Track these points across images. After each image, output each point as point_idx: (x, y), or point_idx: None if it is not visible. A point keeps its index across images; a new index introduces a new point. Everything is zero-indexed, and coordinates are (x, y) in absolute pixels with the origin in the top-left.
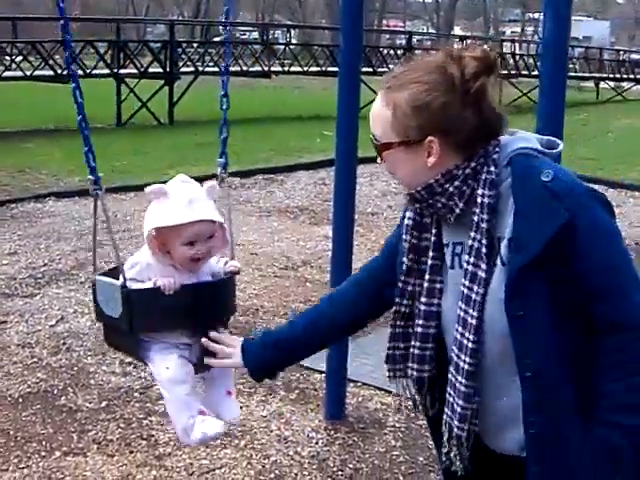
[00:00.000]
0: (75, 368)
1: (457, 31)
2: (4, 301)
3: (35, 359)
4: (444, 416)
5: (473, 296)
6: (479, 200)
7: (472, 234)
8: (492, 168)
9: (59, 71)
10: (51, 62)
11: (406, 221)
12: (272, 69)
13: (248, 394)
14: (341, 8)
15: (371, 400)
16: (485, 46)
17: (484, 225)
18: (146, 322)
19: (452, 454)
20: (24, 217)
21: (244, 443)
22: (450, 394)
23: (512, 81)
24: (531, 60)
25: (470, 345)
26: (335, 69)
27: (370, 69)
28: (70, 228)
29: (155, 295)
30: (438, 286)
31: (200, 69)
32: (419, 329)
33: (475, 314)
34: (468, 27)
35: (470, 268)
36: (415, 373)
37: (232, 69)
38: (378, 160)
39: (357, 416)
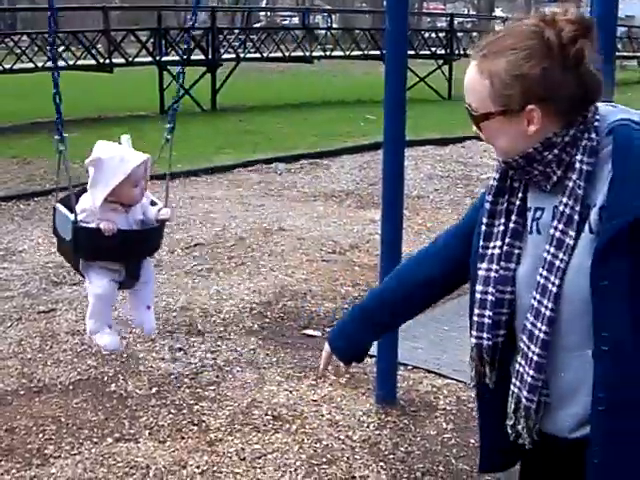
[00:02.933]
0: (125, 355)
1: (498, 12)
2: (53, 289)
3: (85, 346)
4: (511, 387)
5: (557, 263)
6: (577, 166)
7: (564, 200)
8: (593, 135)
9: (101, 60)
10: (93, 51)
11: (492, 182)
12: (314, 54)
13: (298, 379)
14: None
15: (421, 383)
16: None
17: (580, 192)
18: (88, 253)
19: (520, 427)
20: None
21: (295, 428)
22: (520, 364)
23: None
24: None
25: (548, 313)
26: (377, 52)
27: (412, 52)
28: None
29: (97, 234)
30: (517, 251)
31: (242, 56)
32: (492, 296)
33: (557, 282)
34: (509, 8)
35: (557, 234)
36: (487, 341)
37: (274, 55)
38: (474, 129)
39: (408, 399)
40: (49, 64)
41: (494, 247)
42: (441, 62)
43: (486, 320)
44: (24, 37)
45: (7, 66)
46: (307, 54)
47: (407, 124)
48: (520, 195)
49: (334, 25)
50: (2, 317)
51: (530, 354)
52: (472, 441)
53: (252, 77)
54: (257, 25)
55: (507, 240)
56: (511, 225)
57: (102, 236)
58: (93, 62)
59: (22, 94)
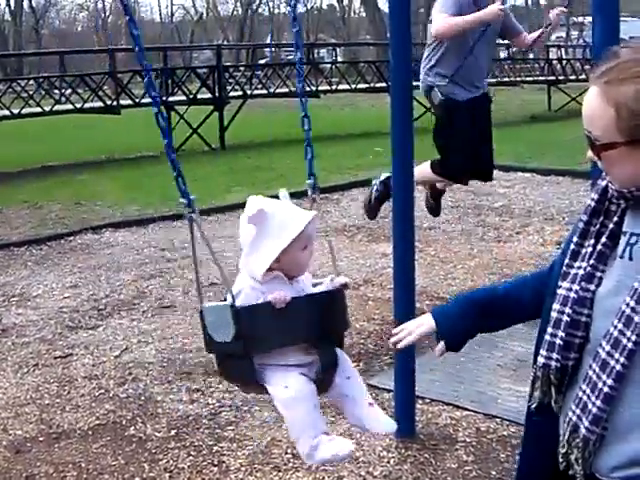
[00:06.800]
0: (142, 398)
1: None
2: (68, 334)
3: (102, 390)
4: (569, 413)
5: None
6: None
7: None
8: None
9: (109, 102)
10: (100, 93)
11: (589, 201)
12: (320, 88)
13: None
14: (389, 25)
15: (440, 416)
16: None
17: None
18: (260, 341)
19: (573, 457)
20: (83, 249)
21: (315, 465)
22: (584, 391)
23: (560, 87)
24: (578, 64)
25: (630, 345)
26: (383, 85)
27: (417, 83)
28: (129, 258)
29: (267, 310)
30: (599, 274)
31: (248, 92)
32: (568, 316)
33: None
34: None
35: None
36: (556, 363)
37: (280, 90)
38: (589, 154)
39: (427, 433)
40: (57, 107)
41: (579, 267)
42: None
43: (558, 341)
44: (31, 81)
45: (15, 111)
46: (313, 89)
47: (415, 155)
48: (616, 219)
49: (339, 58)
50: (19, 363)
51: (600, 384)
52: (493, 472)
53: (259, 113)
54: (262, 61)
55: (591, 262)
56: (599, 247)
57: (275, 311)
58: (101, 104)
59: (30, 138)
